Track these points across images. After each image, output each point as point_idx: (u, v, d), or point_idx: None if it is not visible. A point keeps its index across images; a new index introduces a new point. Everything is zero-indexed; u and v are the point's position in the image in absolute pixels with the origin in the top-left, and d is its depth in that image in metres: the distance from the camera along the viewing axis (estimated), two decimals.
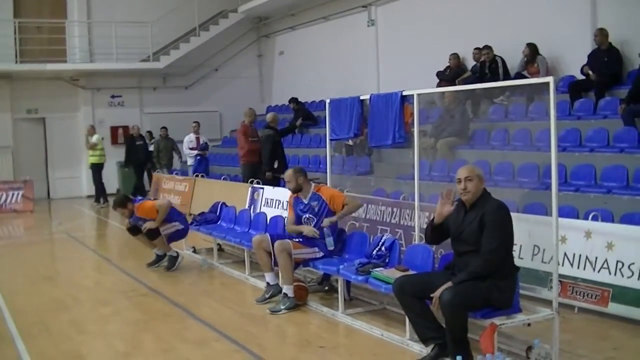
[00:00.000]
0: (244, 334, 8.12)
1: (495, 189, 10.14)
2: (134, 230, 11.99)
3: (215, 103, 27.75)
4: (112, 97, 26.64)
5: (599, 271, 8.36)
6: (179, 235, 12.17)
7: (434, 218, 7.16)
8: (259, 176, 15.80)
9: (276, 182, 15.68)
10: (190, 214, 13.59)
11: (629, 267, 8.05)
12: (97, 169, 22.90)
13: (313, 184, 9.69)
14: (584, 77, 13.60)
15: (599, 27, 13.52)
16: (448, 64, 17.20)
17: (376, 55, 21.17)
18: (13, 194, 21.97)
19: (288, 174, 9.63)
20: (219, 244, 12.81)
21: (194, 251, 13.27)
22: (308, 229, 9.36)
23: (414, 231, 9.29)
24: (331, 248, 9.26)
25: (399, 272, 7.74)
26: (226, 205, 13.21)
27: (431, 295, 6.50)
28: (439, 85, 16.42)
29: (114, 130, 26.42)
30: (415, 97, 8.69)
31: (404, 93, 8.91)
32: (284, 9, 25.43)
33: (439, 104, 16.09)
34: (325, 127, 10.52)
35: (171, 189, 20.44)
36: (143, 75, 26.81)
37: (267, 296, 9.50)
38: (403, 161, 13.21)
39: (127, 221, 12.13)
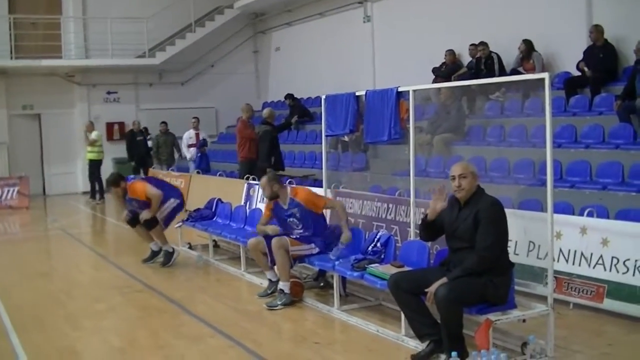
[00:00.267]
0: (239, 330, 8.12)
1: (490, 185, 10.16)
2: (133, 221, 11.97)
3: (211, 99, 27.71)
4: (108, 93, 26.61)
5: (594, 267, 8.37)
6: (176, 211, 12.16)
7: (427, 215, 7.16)
8: (256, 172, 15.77)
9: None
10: (186, 210, 13.61)
11: (624, 263, 8.05)
12: (96, 165, 22.80)
13: (289, 188, 9.66)
14: (579, 74, 13.60)
15: (594, 24, 13.52)
16: (444, 60, 17.21)
17: (372, 51, 21.18)
18: (8, 190, 21.95)
19: (262, 182, 9.60)
20: (214, 240, 12.81)
21: (190, 247, 13.25)
22: (272, 228, 9.50)
23: (410, 227, 9.28)
24: (334, 258, 9.17)
25: (394, 268, 7.74)
26: (222, 202, 13.20)
27: (426, 290, 6.50)
28: (434, 82, 16.42)
29: (109, 126, 26.39)
30: (410, 93, 8.69)
31: (400, 89, 8.92)
32: (280, 5, 25.42)
33: (435, 100, 16.08)
34: (321, 123, 10.52)
35: None
36: (139, 72, 26.77)
37: (269, 292, 9.55)
38: (399, 157, 13.21)
39: (124, 213, 12.09)
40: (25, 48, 24.22)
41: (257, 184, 14.70)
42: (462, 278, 6.38)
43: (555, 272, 7.84)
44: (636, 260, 7.94)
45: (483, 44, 15.67)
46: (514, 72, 14.66)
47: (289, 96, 22.34)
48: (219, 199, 13.31)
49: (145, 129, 24.63)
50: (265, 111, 17.18)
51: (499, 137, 13.56)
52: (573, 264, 8.59)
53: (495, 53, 15.50)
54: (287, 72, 26.06)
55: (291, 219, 9.44)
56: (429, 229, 7.21)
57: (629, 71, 12.49)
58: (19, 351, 7.65)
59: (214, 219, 12.89)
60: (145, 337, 8.16)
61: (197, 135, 21.76)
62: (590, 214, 8.79)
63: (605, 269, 8.25)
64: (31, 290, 10.69)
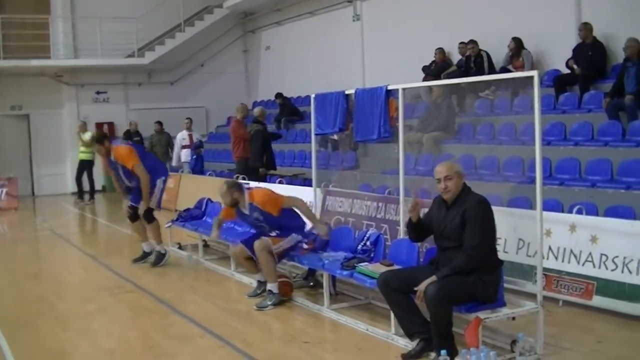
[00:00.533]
0: (229, 330, 8.10)
1: (480, 183, 10.19)
2: (133, 217, 11.93)
3: (201, 99, 27.65)
4: (97, 93, 26.53)
5: (583, 264, 8.39)
6: (163, 190, 12.08)
7: (410, 218, 7.16)
8: (249, 172, 15.75)
9: (264, 177, 15.69)
10: (176, 210, 13.54)
11: (613, 260, 8.07)
12: (88, 166, 22.68)
13: (247, 192, 9.60)
14: (568, 71, 13.62)
15: (583, 22, 13.55)
16: (433, 59, 17.22)
17: (361, 50, 21.17)
18: None
19: (222, 190, 9.52)
20: (204, 240, 12.78)
21: (180, 247, 13.23)
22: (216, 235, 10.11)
23: (399, 226, 9.28)
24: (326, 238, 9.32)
25: (384, 266, 7.74)
26: (212, 201, 13.17)
27: (415, 289, 6.50)
28: (424, 80, 16.43)
29: (99, 126, 26.20)
30: (400, 91, 8.69)
31: (389, 87, 8.91)
32: (270, 4, 25.38)
33: (425, 98, 16.10)
34: (311, 122, 10.50)
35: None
36: (128, 71, 26.71)
37: (259, 292, 9.52)
38: (389, 156, 13.19)
39: (125, 203, 12.01)
40: (13, 48, 24.11)
41: (247, 184, 14.67)
42: (452, 277, 6.38)
43: (545, 269, 7.85)
44: (625, 257, 7.96)
45: (472, 42, 15.69)
46: (504, 70, 14.69)
47: (279, 95, 22.32)
48: (209, 199, 13.28)
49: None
50: (257, 110, 17.16)
51: (488, 135, 13.59)
52: (562, 261, 8.61)
53: (485, 51, 15.53)
54: (276, 71, 26.05)
55: (256, 222, 9.46)
56: (416, 230, 7.21)
57: (618, 69, 12.51)
58: (7, 353, 7.61)
59: (204, 219, 12.85)
60: (135, 338, 8.14)
61: (190, 136, 21.69)
62: (579, 212, 8.81)
63: (594, 266, 8.27)
64: (20, 291, 10.65)
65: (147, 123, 23.53)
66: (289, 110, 21.85)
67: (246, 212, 9.44)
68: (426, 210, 7.31)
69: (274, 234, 9.25)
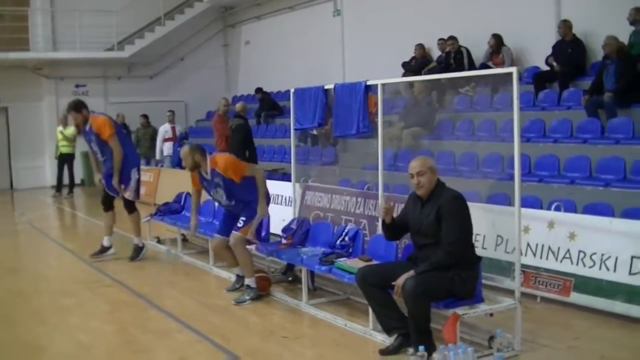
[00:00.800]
0: (207, 325, 8.08)
1: (459, 179, 10.21)
2: (107, 203, 11.84)
3: (180, 93, 27.53)
4: (77, 86, 26.35)
5: (561, 261, 8.43)
6: (139, 179, 11.96)
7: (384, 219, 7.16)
8: None
9: None
10: (155, 204, 13.47)
11: (590, 257, 8.11)
12: (69, 159, 22.54)
13: (209, 158, 9.30)
14: (548, 68, 13.68)
15: (563, 19, 13.63)
16: (413, 55, 17.23)
17: (342, 45, 21.18)
18: None
19: (184, 151, 9.34)
20: (183, 234, 12.74)
21: (158, 241, 13.18)
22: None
23: (378, 221, 9.27)
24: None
25: (362, 262, 7.75)
26: (190, 196, 13.10)
27: (393, 283, 6.50)
28: (404, 76, 16.44)
29: None
30: (379, 87, 8.68)
31: (369, 83, 8.90)
32: None
33: (405, 94, 16.11)
34: (290, 117, 10.48)
35: None
36: (107, 65, 26.57)
37: (237, 286, 9.49)
38: (368, 151, 13.19)
39: (97, 178, 11.77)
40: None
41: None
42: (430, 272, 6.38)
43: (523, 266, 7.87)
44: (603, 254, 8.00)
45: (452, 38, 15.73)
46: (484, 66, 14.72)
47: (259, 90, 22.27)
48: (188, 193, 13.19)
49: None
50: (238, 105, 17.23)
51: (468, 131, 13.62)
52: (540, 257, 8.64)
53: (465, 47, 15.56)
54: (256, 66, 26.00)
55: (215, 190, 9.28)
56: (390, 230, 7.21)
57: (597, 66, 12.57)
58: None
59: (183, 213, 12.82)
60: (113, 332, 8.12)
61: (173, 129, 21.58)
62: (557, 208, 8.85)
63: (572, 263, 8.31)
64: None
65: (127, 117, 23.36)
66: (269, 105, 21.83)
67: (207, 177, 9.26)
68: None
69: (240, 222, 9.11)
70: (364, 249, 8.45)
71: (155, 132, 22.46)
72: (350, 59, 20.83)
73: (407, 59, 17.28)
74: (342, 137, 11.98)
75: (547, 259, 8.58)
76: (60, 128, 22.34)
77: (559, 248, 8.47)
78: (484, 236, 9.12)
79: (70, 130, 21.70)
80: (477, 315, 6.67)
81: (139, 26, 26.58)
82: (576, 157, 11.03)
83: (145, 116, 22.91)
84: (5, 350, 7.52)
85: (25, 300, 9.61)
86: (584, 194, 10.05)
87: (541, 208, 9.57)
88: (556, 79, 13.39)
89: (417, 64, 16.92)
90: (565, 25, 13.39)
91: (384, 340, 7.08)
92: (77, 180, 23.93)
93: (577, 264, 8.24)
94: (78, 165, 24.32)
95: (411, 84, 14.96)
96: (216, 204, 10.37)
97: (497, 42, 14.87)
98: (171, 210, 12.93)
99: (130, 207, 11.73)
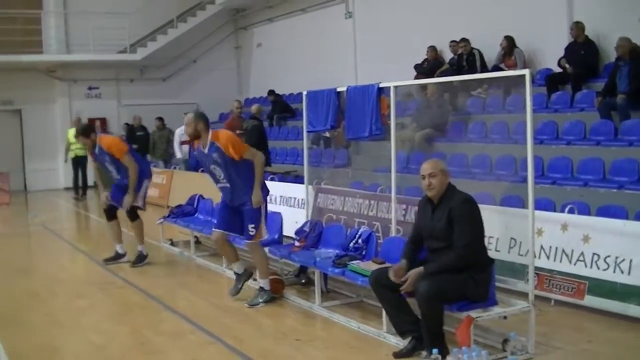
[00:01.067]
0: (220, 326, 8.09)
1: (472, 181, 10.19)
2: (110, 213, 11.83)
3: (193, 95, 27.48)
4: (89, 88, 26.48)
5: (575, 264, 8.39)
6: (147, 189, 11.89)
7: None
8: None
9: None
10: (168, 207, 13.49)
11: (604, 259, 8.07)
12: (83, 161, 22.57)
13: (211, 131, 9.02)
14: (560, 70, 13.65)
15: (575, 21, 13.59)
16: (426, 57, 17.23)
17: (354, 47, 21.16)
18: None
19: (188, 117, 9.06)
20: (196, 237, 12.76)
21: (172, 244, 13.21)
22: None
23: (391, 224, 9.27)
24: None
25: (375, 264, 7.74)
26: (203, 198, 13.15)
27: (403, 279, 6.50)
28: (416, 78, 16.44)
29: (91, 122, 26.05)
30: (392, 89, 8.68)
31: (381, 85, 8.90)
32: (262, 1, 25.39)
33: (417, 96, 16.09)
34: (303, 120, 10.49)
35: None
36: (120, 67, 26.67)
37: (240, 286, 9.38)
38: (381, 153, 13.16)
39: (104, 196, 11.78)
40: (5, 43, 23.91)
41: None
42: (443, 275, 6.37)
43: (536, 268, 7.84)
44: (617, 257, 7.96)
45: (464, 40, 15.72)
46: (496, 68, 14.70)
47: (271, 92, 22.31)
48: (200, 195, 13.27)
49: (127, 124, 24.49)
50: (254, 107, 17.54)
51: (480, 133, 13.60)
52: (554, 260, 8.61)
53: (477, 49, 15.55)
54: (268, 68, 26.03)
55: (213, 166, 8.99)
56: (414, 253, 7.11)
57: (610, 68, 12.53)
58: None
59: (196, 215, 12.85)
60: (126, 334, 8.13)
61: None
62: (571, 211, 8.81)
63: (586, 266, 8.27)
64: (11, 286, 10.62)
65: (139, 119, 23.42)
66: (281, 107, 21.87)
67: (205, 150, 8.97)
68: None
69: (252, 231, 8.93)
70: (377, 251, 8.43)
71: (170, 135, 22.41)
72: (362, 61, 20.82)
73: (419, 61, 17.29)
74: (355, 139, 11.99)
75: (560, 261, 8.54)
76: (72, 131, 22.32)
77: (572, 250, 8.43)
78: (498, 238, 9.10)
79: None
80: (490, 318, 6.65)
81: (151, 29, 26.69)
82: (589, 159, 11.00)
83: (160, 119, 22.92)
84: (20, 351, 7.54)
85: (39, 301, 9.65)
86: (598, 196, 10.02)
87: (554, 210, 9.56)
88: (569, 80, 13.37)
89: (430, 66, 16.91)
90: (577, 27, 13.36)
91: (398, 343, 7.07)
92: (91, 182, 23.95)
93: (591, 266, 8.20)
94: (91, 167, 24.33)
95: (423, 86, 14.95)
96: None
97: (510, 44, 14.84)
98: (184, 213, 12.95)
99: (133, 215, 11.69)
